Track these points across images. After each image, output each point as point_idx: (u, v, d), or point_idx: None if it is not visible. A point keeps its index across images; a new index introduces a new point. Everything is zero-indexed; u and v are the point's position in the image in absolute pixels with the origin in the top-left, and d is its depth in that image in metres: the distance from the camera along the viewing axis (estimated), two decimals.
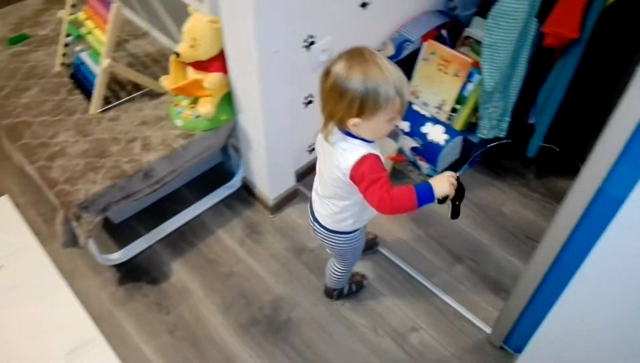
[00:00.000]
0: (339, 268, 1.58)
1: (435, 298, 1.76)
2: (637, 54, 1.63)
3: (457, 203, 1.21)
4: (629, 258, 1.05)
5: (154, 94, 1.81)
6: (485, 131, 1.91)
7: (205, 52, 1.55)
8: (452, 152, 1.92)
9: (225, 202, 2.05)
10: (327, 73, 1.10)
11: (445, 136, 1.86)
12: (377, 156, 1.15)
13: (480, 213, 2.00)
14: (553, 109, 1.78)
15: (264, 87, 1.56)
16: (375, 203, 1.15)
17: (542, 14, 1.61)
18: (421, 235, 1.93)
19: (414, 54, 1.97)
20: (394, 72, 1.07)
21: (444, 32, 1.99)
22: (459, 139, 1.90)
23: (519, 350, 1.54)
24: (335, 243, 1.42)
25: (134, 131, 1.69)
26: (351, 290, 1.75)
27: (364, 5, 1.75)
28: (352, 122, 1.10)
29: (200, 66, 1.60)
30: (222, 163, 2.19)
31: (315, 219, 1.40)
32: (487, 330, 1.67)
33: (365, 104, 1.06)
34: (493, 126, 1.89)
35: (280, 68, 1.57)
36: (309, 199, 2.03)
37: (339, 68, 1.07)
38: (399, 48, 1.91)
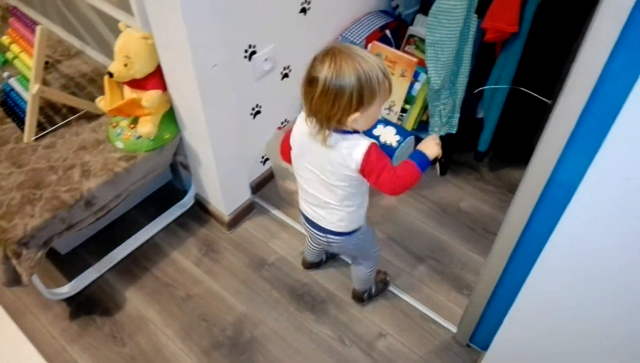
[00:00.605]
0: (367, 265, 1.57)
1: (400, 302, 1.74)
2: (577, 42, 1.65)
3: (443, 160, 1.25)
4: (587, 245, 1.05)
5: (91, 116, 1.72)
6: (436, 129, 1.90)
7: (140, 70, 1.48)
8: (405, 152, 1.90)
9: (179, 221, 1.98)
10: (311, 81, 1.09)
11: (397, 137, 1.83)
12: (376, 143, 1.19)
13: (439, 210, 2.00)
14: (500, 103, 1.78)
15: (206, 102, 1.50)
16: (388, 188, 1.21)
17: (482, 10, 1.61)
18: (382, 237, 1.91)
19: None
20: (373, 57, 1.10)
21: (387, 32, 1.97)
22: (410, 139, 1.88)
23: (485, 347, 1.53)
24: (354, 243, 1.42)
25: (72, 157, 1.60)
26: (378, 288, 1.73)
27: (303, 11, 1.71)
28: (353, 118, 1.11)
29: (137, 84, 1.52)
30: (172, 180, 2.11)
31: (328, 232, 1.37)
32: (453, 329, 1.66)
33: (363, 96, 1.08)
34: (444, 123, 1.89)
35: (222, 81, 1.52)
36: (266, 212, 2.00)
37: (327, 71, 1.06)
38: None
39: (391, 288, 1.76)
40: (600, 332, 1.21)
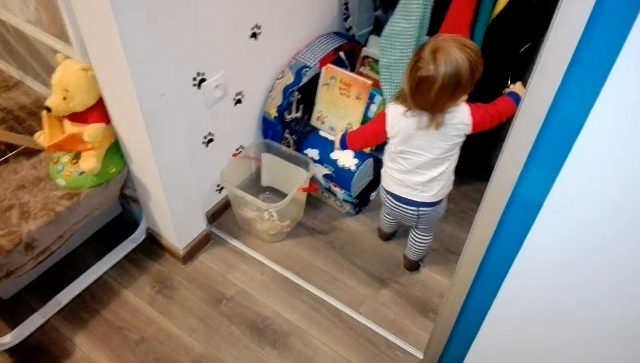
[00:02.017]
0: (429, 236, 1.70)
1: (364, 329, 1.69)
2: (534, 59, 1.66)
3: None
4: (555, 263, 1.02)
5: (30, 152, 1.61)
6: None
7: (80, 103, 1.39)
8: (364, 175, 1.87)
9: (130, 257, 1.87)
10: (425, 81, 1.20)
11: (356, 161, 1.81)
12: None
13: (400, 230, 1.96)
14: None
15: (153, 134, 1.42)
16: (498, 118, 1.36)
17: (434, 31, 1.60)
18: (344, 263, 1.86)
19: (315, 79, 1.91)
20: (466, 39, 1.24)
21: (341, 54, 1.94)
22: (369, 161, 1.86)
23: None
24: (439, 211, 1.55)
25: (10, 197, 1.49)
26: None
27: (254, 35, 1.67)
28: (464, 98, 1.27)
29: (78, 117, 1.44)
30: (123, 213, 2.01)
31: (421, 204, 1.48)
32: (420, 355, 1.62)
33: (474, 77, 1.22)
34: None
35: (170, 111, 1.45)
36: (224, 243, 1.91)
37: (444, 67, 1.18)
38: (298, 75, 1.84)
39: (355, 315, 1.71)
40: (571, 355, 1.19)
